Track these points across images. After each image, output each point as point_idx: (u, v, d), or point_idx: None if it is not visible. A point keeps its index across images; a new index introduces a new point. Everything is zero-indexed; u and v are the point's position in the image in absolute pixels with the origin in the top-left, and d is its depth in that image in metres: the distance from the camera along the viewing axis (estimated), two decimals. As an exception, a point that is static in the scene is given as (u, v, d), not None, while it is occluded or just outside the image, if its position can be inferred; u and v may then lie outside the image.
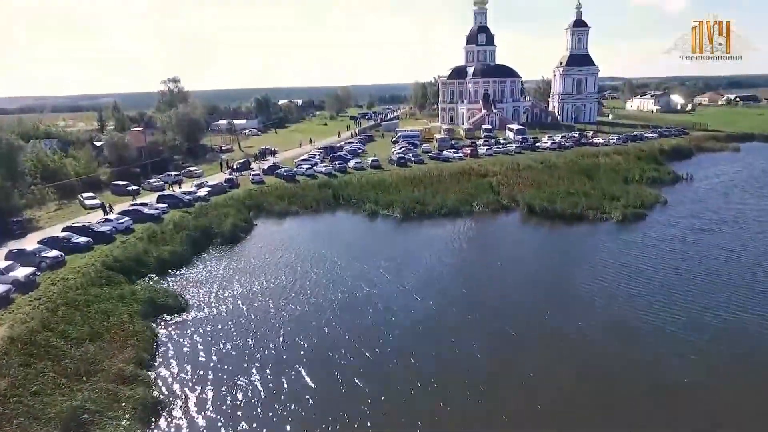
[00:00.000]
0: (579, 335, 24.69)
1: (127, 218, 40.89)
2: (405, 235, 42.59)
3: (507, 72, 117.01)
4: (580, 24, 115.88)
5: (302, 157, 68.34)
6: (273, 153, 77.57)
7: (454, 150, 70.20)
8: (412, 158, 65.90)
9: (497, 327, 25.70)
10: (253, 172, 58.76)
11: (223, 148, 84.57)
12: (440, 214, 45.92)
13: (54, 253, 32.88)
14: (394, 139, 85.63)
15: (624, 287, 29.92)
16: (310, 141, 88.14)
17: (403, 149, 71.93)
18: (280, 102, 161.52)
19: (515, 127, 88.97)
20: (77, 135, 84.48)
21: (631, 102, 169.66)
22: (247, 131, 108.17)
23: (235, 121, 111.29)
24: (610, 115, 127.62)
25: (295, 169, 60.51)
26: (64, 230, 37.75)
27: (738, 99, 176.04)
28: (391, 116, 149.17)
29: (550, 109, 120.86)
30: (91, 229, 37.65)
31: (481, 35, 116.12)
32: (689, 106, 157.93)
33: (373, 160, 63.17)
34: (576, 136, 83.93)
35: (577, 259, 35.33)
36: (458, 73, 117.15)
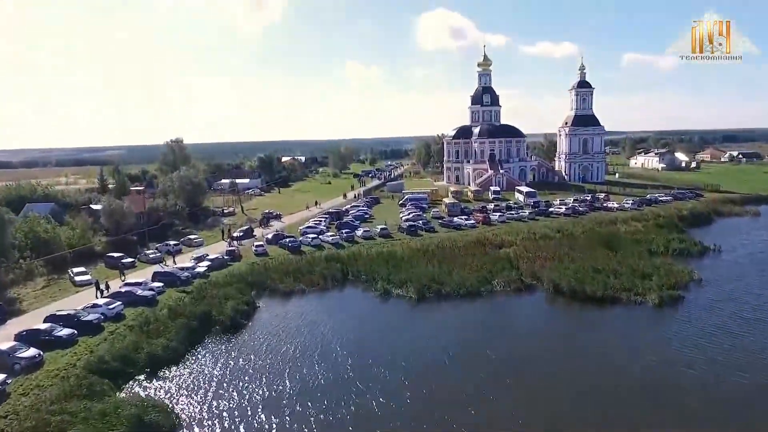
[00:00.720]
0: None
1: (118, 303, 37.33)
2: (423, 320, 38.82)
3: (512, 132, 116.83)
4: (584, 85, 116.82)
5: (307, 224, 65.57)
6: (277, 217, 74.95)
7: (465, 216, 67.35)
8: (422, 225, 62.99)
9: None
10: (256, 243, 55.57)
11: (225, 211, 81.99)
12: (458, 294, 42.35)
13: (31, 352, 29.16)
14: (401, 201, 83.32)
15: (686, 392, 26.03)
16: (316, 203, 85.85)
17: (411, 215, 69.28)
18: (284, 159, 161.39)
19: (525, 189, 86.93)
20: (76, 197, 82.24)
21: (635, 159, 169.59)
22: (250, 191, 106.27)
23: (238, 181, 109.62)
24: (617, 174, 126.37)
25: (301, 239, 57.45)
26: (46, 320, 33.97)
27: (741, 156, 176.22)
28: (395, 174, 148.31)
29: (556, 168, 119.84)
30: (77, 318, 34.02)
31: (486, 95, 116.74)
32: (693, 164, 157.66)
33: (382, 229, 60.22)
34: (589, 199, 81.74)
35: (623, 355, 31.26)
36: (464, 132, 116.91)
